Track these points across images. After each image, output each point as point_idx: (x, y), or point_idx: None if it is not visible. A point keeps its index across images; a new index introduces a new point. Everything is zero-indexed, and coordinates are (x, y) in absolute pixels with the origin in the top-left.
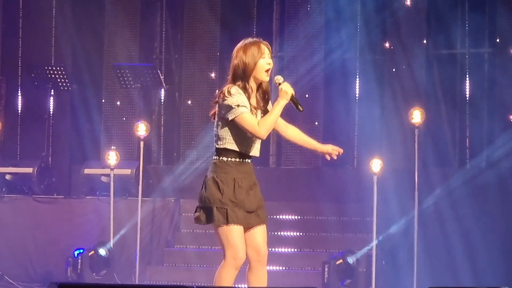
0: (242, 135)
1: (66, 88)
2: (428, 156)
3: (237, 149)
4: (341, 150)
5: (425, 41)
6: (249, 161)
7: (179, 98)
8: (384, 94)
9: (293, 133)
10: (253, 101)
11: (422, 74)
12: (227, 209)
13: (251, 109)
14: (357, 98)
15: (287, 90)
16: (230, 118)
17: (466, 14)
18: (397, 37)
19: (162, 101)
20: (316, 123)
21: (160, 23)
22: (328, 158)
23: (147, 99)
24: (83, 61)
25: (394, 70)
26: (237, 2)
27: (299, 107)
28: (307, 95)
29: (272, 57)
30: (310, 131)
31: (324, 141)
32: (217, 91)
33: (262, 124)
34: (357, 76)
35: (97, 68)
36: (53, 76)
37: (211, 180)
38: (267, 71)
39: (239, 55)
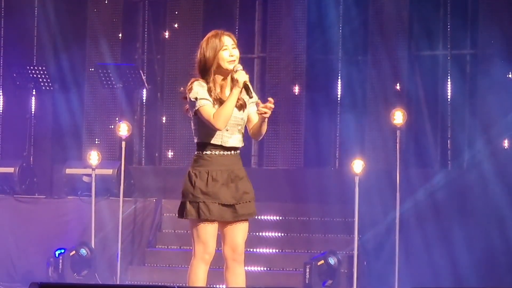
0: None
1: (48, 88)
2: (410, 157)
3: (212, 142)
4: (271, 102)
5: (407, 43)
6: (230, 153)
7: (161, 98)
8: (366, 96)
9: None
10: (227, 93)
11: (404, 75)
12: (199, 203)
13: (216, 101)
14: (339, 99)
15: (238, 77)
16: (193, 112)
17: (448, 16)
18: (379, 39)
19: (144, 101)
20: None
21: (143, 23)
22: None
23: (129, 99)
24: (65, 60)
25: (376, 71)
26: (220, 3)
27: (250, 93)
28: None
29: (237, 48)
30: (292, 132)
31: (306, 142)
32: (181, 88)
33: (216, 115)
34: (339, 77)
35: (79, 68)
36: (35, 76)
37: (187, 175)
38: (230, 62)
39: (201, 49)
